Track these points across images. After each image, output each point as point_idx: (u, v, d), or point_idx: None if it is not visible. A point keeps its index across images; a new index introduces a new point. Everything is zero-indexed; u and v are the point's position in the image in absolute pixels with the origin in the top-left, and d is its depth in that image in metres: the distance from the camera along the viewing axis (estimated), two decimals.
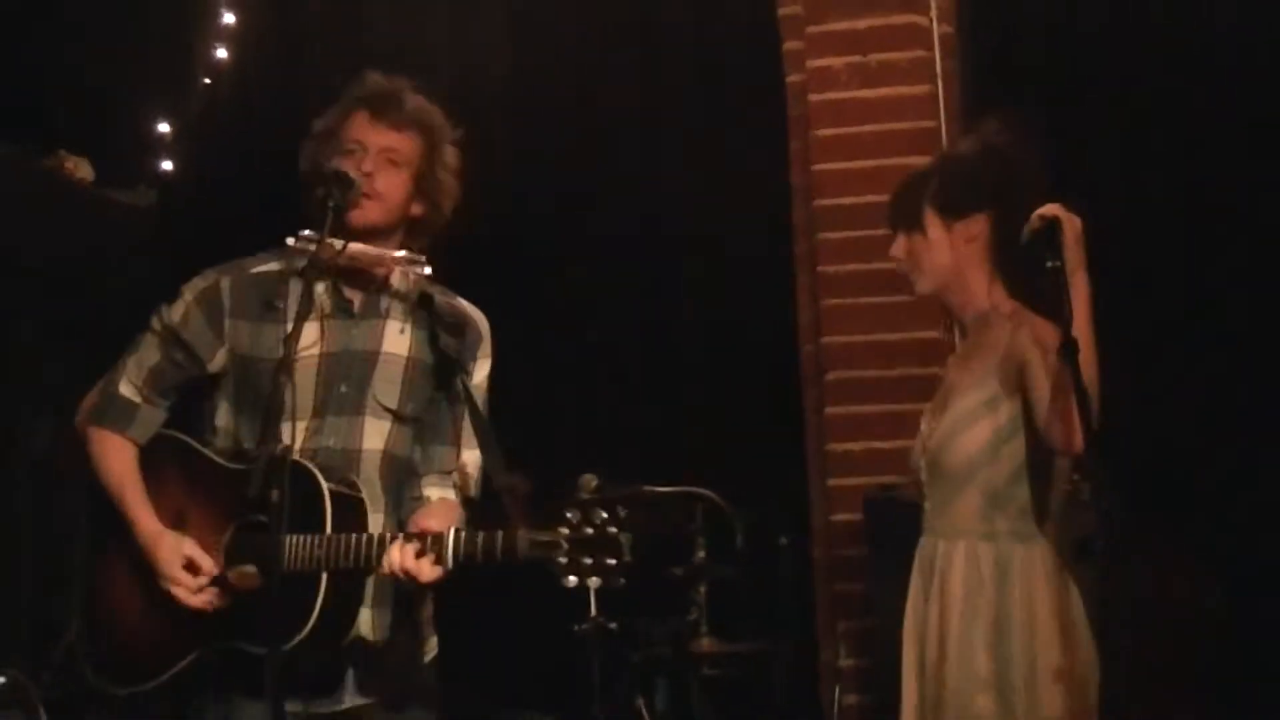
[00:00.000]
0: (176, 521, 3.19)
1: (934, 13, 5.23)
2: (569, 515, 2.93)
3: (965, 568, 3.26)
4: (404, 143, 3.28)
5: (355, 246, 3.18)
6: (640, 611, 4.74)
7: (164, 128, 6.09)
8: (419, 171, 3.30)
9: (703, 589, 4.74)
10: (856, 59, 5.27)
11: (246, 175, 5.87)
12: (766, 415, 5.49)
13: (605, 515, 2.91)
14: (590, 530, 2.91)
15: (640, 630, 4.81)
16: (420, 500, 3.33)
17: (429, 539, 3.02)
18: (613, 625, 4.57)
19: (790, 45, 5.42)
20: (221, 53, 6.07)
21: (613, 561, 2.90)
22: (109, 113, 5.95)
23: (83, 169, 5.76)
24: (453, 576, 3.06)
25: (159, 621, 3.17)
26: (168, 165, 6.09)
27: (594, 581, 2.92)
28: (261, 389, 3.17)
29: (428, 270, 3.32)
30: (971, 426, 3.29)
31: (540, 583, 4.73)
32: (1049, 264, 3.05)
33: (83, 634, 3.27)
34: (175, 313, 3.29)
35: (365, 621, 3.21)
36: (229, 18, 6.06)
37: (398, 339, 3.32)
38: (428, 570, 3.00)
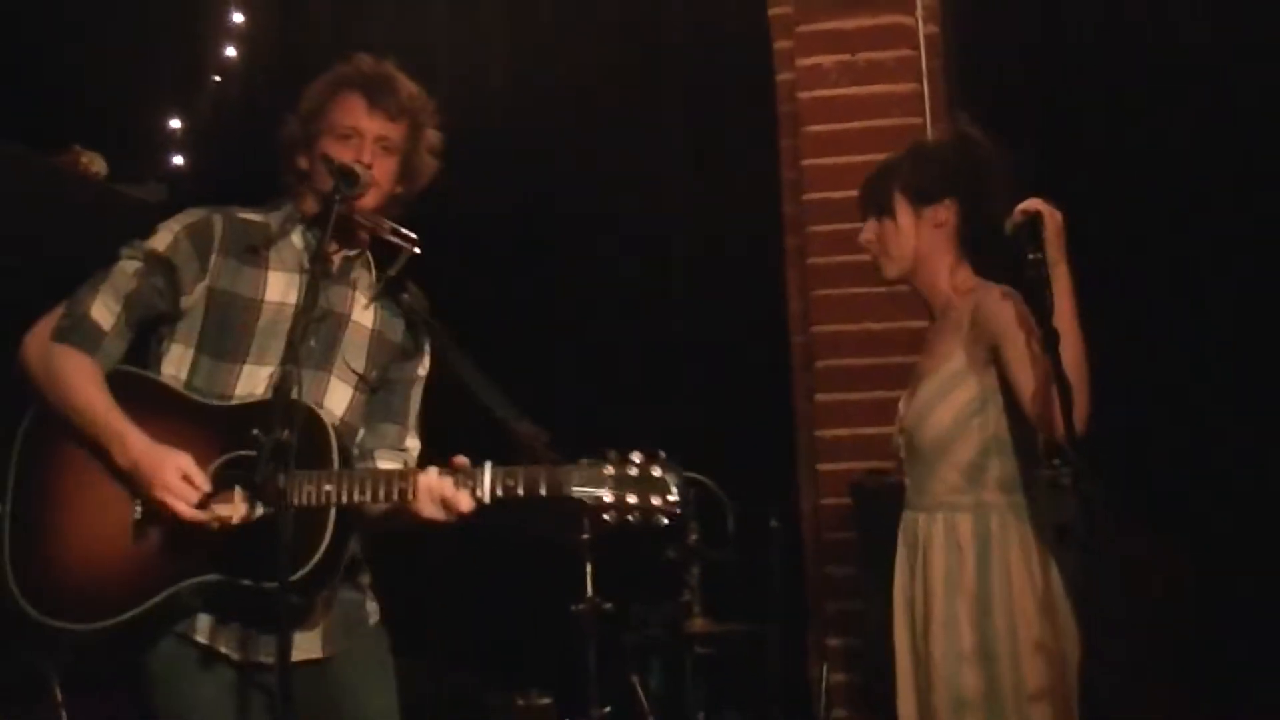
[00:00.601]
0: None
1: (920, 13, 5.31)
2: (610, 456, 2.88)
3: (945, 540, 3.34)
4: (397, 130, 3.26)
5: (367, 217, 3.21)
6: (635, 593, 4.81)
7: (175, 124, 6.11)
8: (405, 154, 3.29)
9: (695, 571, 4.79)
10: (845, 58, 5.34)
11: (254, 170, 5.77)
12: (758, 402, 5.53)
13: (644, 458, 2.87)
14: (634, 470, 2.87)
15: (635, 611, 4.86)
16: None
17: (463, 470, 2.97)
18: (608, 606, 4.60)
19: (781, 44, 5.49)
20: (230, 52, 6.10)
21: (657, 500, 2.86)
22: (121, 110, 5.96)
23: (96, 164, 5.74)
24: (483, 511, 2.98)
25: (130, 551, 3.02)
26: (178, 161, 6.11)
27: (635, 518, 2.86)
28: (228, 328, 3.13)
29: (415, 250, 3.27)
30: (940, 403, 3.37)
31: (537, 564, 4.91)
32: (1031, 256, 3.10)
33: (10, 570, 3.03)
34: (160, 241, 3.19)
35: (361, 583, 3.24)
36: (237, 18, 6.10)
37: (364, 311, 3.31)
38: (465, 501, 2.95)
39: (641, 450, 2.89)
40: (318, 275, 3.04)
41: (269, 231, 3.22)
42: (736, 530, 4.76)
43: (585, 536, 4.72)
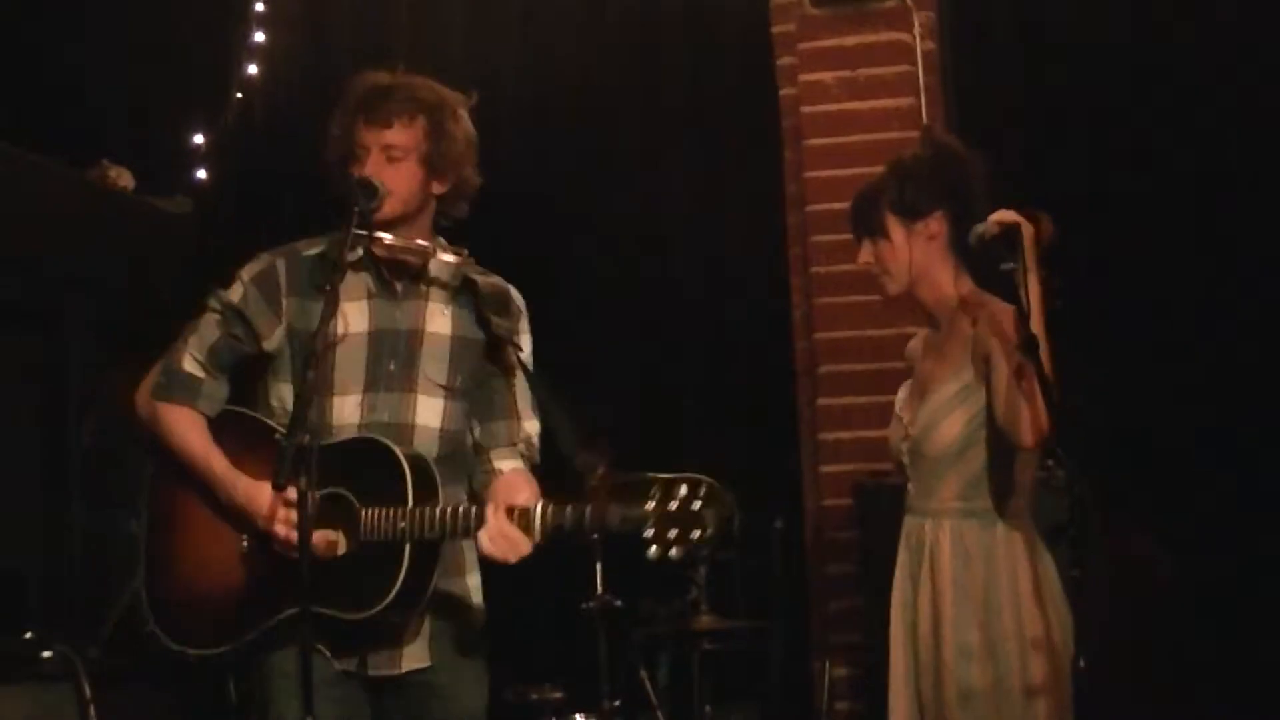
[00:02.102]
0: None
1: (918, 30, 5.37)
2: (652, 492, 2.94)
3: (952, 547, 3.36)
4: (399, 135, 3.28)
5: (387, 238, 3.25)
6: (644, 591, 4.86)
7: (200, 139, 6.13)
8: (424, 154, 3.29)
9: (702, 570, 4.81)
10: (845, 73, 5.41)
11: (276, 183, 5.94)
12: (762, 406, 5.58)
13: (686, 490, 2.92)
14: (674, 505, 2.92)
15: (644, 608, 4.90)
16: (492, 473, 3.36)
17: (517, 511, 3.05)
18: (618, 604, 4.64)
19: (783, 61, 5.55)
20: (253, 69, 6.15)
21: (697, 534, 2.90)
22: (148, 125, 6.03)
23: (124, 178, 5.78)
24: (540, 548, 3.09)
25: (240, 582, 3.21)
26: (203, 175, 6.13)
27: (675, 553, 2.91)
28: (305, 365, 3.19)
29: (459, 256, 3.34)
30: (949, 415, 3.38)
31: (549, 564, 5.00)
32: (1004, 266, 3.16)
33: (147, 603, 3.29)
34: (234, 293, 3.32)
35: (473, 587, 3.35)
36: (260, 36, 6.14)
37: (440, 319, 3.34)
38: (524, 543, 3.05)
39: (687, 481, 2.96)
40: (337, 286, 3.11)
41: (331, 264, 3.22)
42: (742, 530, 4.69)
43: (595, 537, 4.83)
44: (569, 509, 3.04)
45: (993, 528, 3.35)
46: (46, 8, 5.81)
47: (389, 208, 3.26)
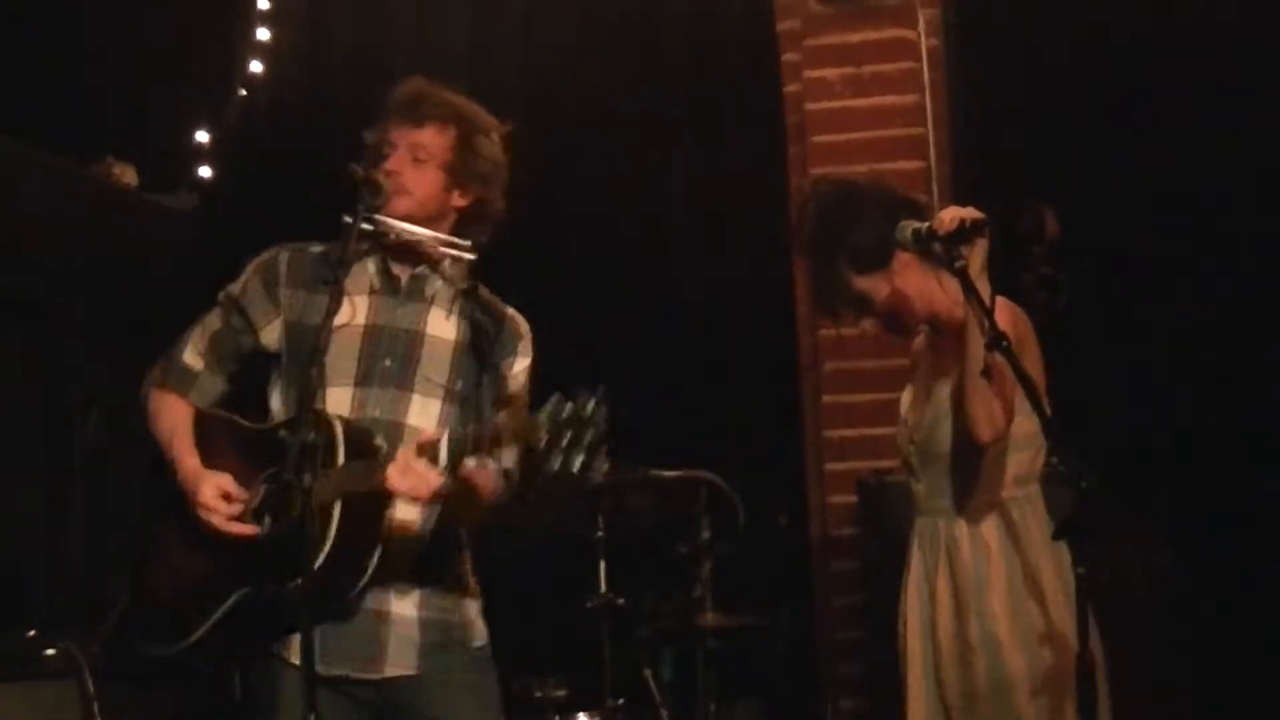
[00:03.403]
0: None
1: (922, 27, 5.38)
2: (545, 405, 2.87)
3: (971, 542, 3.36)
4: (430, 138, 3.30)
5: (397, 225, 3.25)
6: (648, 587, 4.90)
7: (203, 136, 6.14)
8: (449, 163, 3.30)
9: (707, 566, 4.83)
10: (850, 70, 5.41)
11: (279, 179, 5.96)
12: (767, 404, 5.59)
13: (579, 399, 2.84)
14: (566, 413, 2.84)
15: (648, 605, 4.93)
16: None
17: (426, 445, 3.01)
18: (622, 600, 4.68)
19: (788, 57, 5.56)
20: (256, 66, 6.15)
21: (590, 438, 2.83)
22: (152, 122, 6.04)
23: (128, 174, 5.81)
24: (452, 490, 3.06)
25: (198, 569, 3.18)
26: (207, 171, 6.14)
27: (576, 461, 2.84)
28: (304, 357, 3.18)
29: (472, 256, 3.33)
30: (956, 412, 3.33)
31: (553, 561, 5.02)
32: (958, 264, 3.09)
33: (130, 604, 3.31)
34: (237, 285, 3.36)
35: (397, 599, 3.23)
36: (263, 33, 6.15)
37: (444, 324, 3.34)
38: (432, 476, 2.99)
39: (577, 391, 2.88)
40: (343, 279, 3.09)
41: (338, 259, 3.20)
42: (746, 527, 4.83)
43: (600, 534, 4.85)
44: (469, 430, 3.02)
45: (1007, 515, 3.35)
46: (49, 4, 5.81)
47: (404, 205, 3.27)
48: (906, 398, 3.60)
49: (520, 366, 3.41)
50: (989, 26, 5.46)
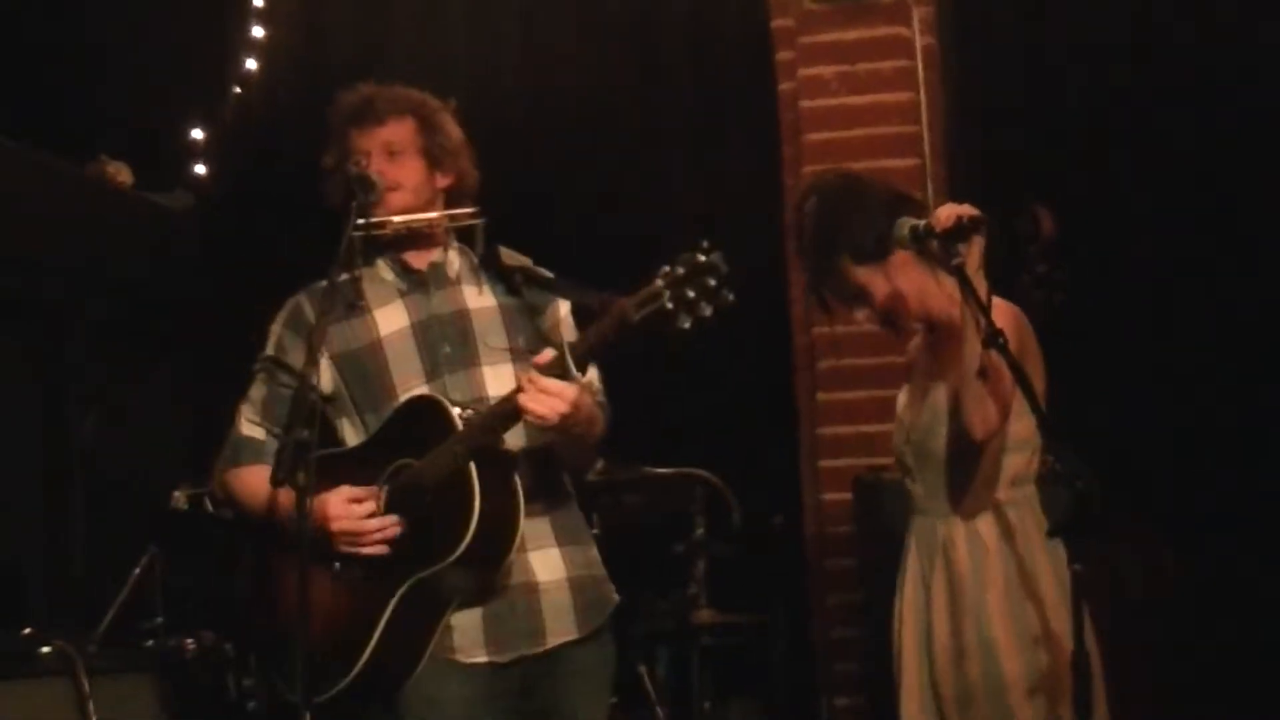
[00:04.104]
0: None
1: (917, 25, 5.35)
2: (660, 270, 2.88)
3: (969, 543, 3.34)
4: (394, 131, 3.34)
5: (396, 219, 3.28)
6: (643, 585, 4.83)
7: (199, 134, 6.16)
8: (423, 148, 3.35)
9: (702, 564, 4.83)
10: (845, 68, 5.38)
11: (275, 178, 5.94)
12: (762, 402, 5.59)
13: (687, 254, 2.87)
14: (681, 270, 2.87)
15: (643, 603, 4.89)
16: None
17: (546, 362, 3.01)
18: (616, 598, 4.70)
19: (782, 55, 5.53)
20: (251, 64, 6.18)
21: (713, 281, 2.86)
22: (148, 120, 6.04)
23: (123, 174, 5.84)
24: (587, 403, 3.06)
25: (342, 605, 3.16)
26: (203, 170, 6.16)
27: (706, 309, 2.85)
28: (368, 380, 3.25)
29: (480, 221, 3.37)
30: (952, 414, 3.34)
31: None
32: (955, 261, 3.09)
33: (270, 662, 3.32)
34: (269, 345, 3.36)
35: (543, 563, 3.25)
36: (258, 31, 6.17)
37: (479, 296, 3.37)
38: (567, 390, 2.98)
39: (684, 255, 2.89)
40: (355, 273, 3.16)
41: (355, 281, 3.29)
42: (741, 525, 4.82)
43: (595, 532, 4.83)
44: (590, 330, 3.03)
45: (1004, 516, 3.33)
46: (45, 3, 5.82)
47: (399, 200, 3.31)
48: (903, 398, 3.59)
49: (565, 310, 3.43)
50: (987, 25, 5.47)
